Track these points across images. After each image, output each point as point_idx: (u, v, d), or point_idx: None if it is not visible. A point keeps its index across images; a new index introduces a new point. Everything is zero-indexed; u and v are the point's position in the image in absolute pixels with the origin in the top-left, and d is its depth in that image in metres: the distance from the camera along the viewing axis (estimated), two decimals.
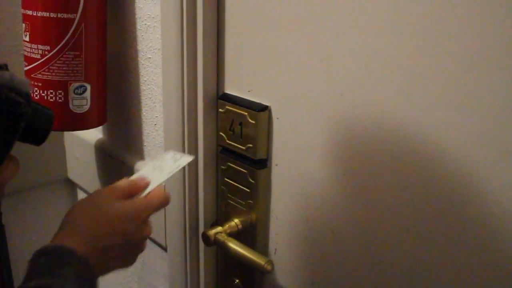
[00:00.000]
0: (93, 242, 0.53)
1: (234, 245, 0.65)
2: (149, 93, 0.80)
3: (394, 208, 0.52)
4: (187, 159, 0.63)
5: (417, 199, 0.50)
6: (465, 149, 0.45)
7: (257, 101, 0.64)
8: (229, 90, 0.68)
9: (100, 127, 0.93)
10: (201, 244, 0.75)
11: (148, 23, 0.76)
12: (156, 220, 0.64)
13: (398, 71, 0.48)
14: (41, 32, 0.75)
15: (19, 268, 1.07)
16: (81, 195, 1.11)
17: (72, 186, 1.11)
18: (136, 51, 0.80)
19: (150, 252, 0.89)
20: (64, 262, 0.50)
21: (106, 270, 0.55)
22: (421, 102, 0.47)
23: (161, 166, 0.63)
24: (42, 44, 0.75)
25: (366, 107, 0.52)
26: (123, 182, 0.60)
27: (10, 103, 0.45)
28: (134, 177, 0.61)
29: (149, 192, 0.59)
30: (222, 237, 0.67)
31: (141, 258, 0.93)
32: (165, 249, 0.82)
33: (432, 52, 0.45)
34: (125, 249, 0.57)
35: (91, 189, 1.01)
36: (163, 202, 0.60)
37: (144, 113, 0.82)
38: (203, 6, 0.65)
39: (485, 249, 0.45)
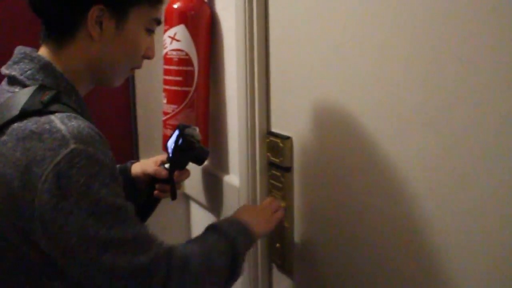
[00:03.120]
0: (249, 217, 1.02)
1: None
2: (232, 132, 1.34)
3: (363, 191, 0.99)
4: None
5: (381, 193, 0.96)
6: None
7: (285, 134, 1.14)
8: (273, 129, 1.19)
9: None
10: None
11: (232, 90, 1.31)
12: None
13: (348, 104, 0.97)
14: (172, 98, 1.33)
15: None
16: (192, 205, 1.66)
17: (187, 198, 1.66)
18: (225, 106, 1.35)
19: None
20: (232, 222, 0.99)
21: (258, 232, 1.00)
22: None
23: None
24: (172, 104, 1.33)
25: (343, 143, 1.00)
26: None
27: (191, 143, 1.07)
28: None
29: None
30: None
31: None
32: None
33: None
34: (264, 223, 1.06)
35: (199, 198, 1.55)
36: (278, 208, 1.12)
37: (229, 144, 1.36)
38: (258, 81, 1.17)
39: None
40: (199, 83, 1.32)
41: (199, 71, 1.31)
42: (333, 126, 1.00)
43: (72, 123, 0.78)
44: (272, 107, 1.19)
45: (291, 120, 1.13)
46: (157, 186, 1.13)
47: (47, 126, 0.77)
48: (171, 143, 1.09)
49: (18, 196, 0.75)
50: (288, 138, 1.13)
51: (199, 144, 1.11)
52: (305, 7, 1.03)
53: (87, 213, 0.75)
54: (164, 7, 0.96)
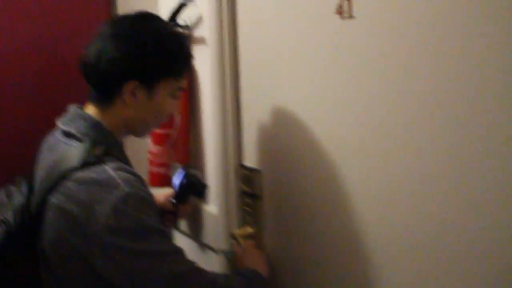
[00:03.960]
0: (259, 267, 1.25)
1: (241, 239, 1.34)
2: (210, 167, 1.53)
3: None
4: None
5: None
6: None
7: (255, 167, 1.35)
8: (244, 163, 1.40)
9: None
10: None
11: (208, 131, 1.51)
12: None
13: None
14: (157, 139, 1.53)
15: None
16: (177, 235, 1.83)
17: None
18: (203, 145, 1.55)
19: (210, 257, 1.57)
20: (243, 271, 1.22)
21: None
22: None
23: None
24: (157, 145, 1.52)
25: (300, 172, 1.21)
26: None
27: (192, 183, 1.31)
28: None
29: None
30: (237, 234, 1.36)
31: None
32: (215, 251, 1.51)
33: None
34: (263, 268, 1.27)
35: (182, 228, 1.73)
36: None
37: (208, 177, 1.56)
38: (232, 122, 1.38)
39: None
40: (180, 126, 1.52)
41: (180, 116, 1.51)
42: (295, 159, 1.21)
43: (121, 172, 1.01)
44: (243, 144, 1.40)
45: (260, 155, 1.34)
46: (165, 216, 1.36)
47: (104, 175, 1.00)
48: (176, 181, 1.32)
49: (83, 227, 0.98)
50: (258, 170, 1.34)
51: (200, 182, 1.38)
52: (270, 59, 1.26)
53: (140, 238, 0.99)
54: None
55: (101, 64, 1.08)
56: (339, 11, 1.03)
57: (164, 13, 1.58)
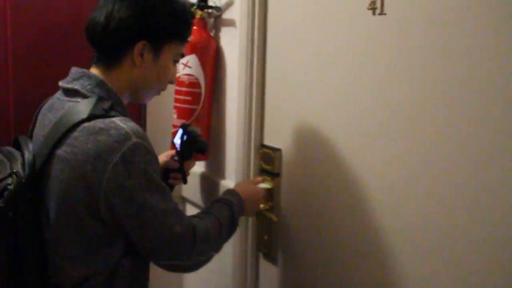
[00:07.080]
0: (243, 195, 1.33)
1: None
2: (230, 143, 1.62)
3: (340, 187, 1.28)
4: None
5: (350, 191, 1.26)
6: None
7: (276, 146, 1.43)
8: (265, 142, 1.48)
9: (203, 163, 1.75)
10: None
11: (232, 109, 1.59)
12: None
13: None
14: (182, 114, 1.60)
15: None
16: (188, 206, 1.93)
17: (183, 200, 1.93)
18: (225, 122, 1.63)
19: None
20: (231, 193, 1.32)
21: (244, 209, 1.31)
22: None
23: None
24: (182, 119, 1.60)
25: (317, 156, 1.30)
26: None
27: (194, 138, 1.34)
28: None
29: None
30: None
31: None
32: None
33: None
34: (252, 205, 1.36)
35: (195, 200, 1.82)
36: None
37: (227, 153, 1.64)
38: (255, 102, 1.47)
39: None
40: (204, 102, 1.60)
41: (205, 93, 1.59)
42: (315, 140, 1.30)
43: (130, 124, 1.05)
44: (265, 124, 1.48)
45: (281, 135, 1.42)
46: (170, 175, 1.41)
47: (112, 125, 1.03)
48: (177, 140, 1.36)
49: (89, 177, 1.01)
50: (278, 149, 1.43)
51: (200, 137, 1.39)
52: (296, 48, 1.33)
53: (145, 189, 1.03)
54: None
55: (111, 24, 1.10)
56: (372, 8, 1.11)
57: None
